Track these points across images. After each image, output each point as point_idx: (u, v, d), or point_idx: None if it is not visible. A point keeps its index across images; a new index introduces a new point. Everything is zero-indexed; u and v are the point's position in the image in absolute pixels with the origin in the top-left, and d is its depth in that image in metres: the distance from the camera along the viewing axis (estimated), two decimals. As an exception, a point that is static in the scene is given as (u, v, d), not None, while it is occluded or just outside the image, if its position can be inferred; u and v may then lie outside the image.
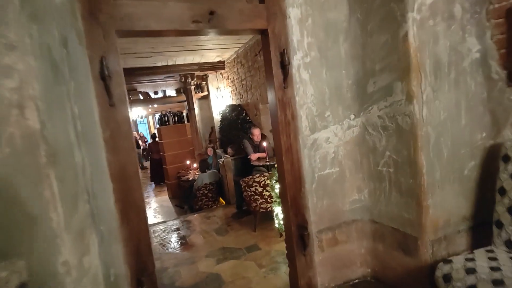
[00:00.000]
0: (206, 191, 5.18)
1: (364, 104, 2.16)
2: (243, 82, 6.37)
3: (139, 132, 14.81)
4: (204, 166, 5.43)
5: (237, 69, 6.55)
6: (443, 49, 1.79)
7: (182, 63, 6.75)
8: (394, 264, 2.08)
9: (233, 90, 7.11)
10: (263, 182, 3.36)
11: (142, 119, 16.30)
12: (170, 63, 6.62)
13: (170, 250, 3.42)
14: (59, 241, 1.00)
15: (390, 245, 2.10)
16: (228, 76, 7.29)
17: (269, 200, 3.38)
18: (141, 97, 7.33)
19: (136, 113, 13.08)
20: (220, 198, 5.58)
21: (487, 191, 1.86)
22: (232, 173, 4.92)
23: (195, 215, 4.65)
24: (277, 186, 2.86)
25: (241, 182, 3.48)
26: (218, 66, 7.18)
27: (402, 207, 1.97)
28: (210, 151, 6.83)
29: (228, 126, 6.69)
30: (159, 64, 6.55)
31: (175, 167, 7.26)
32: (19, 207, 0.94)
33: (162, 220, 4.91)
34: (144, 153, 13.51)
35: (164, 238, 3.80)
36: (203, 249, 3.29)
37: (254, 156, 4.49)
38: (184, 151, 7.46)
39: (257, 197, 3.41)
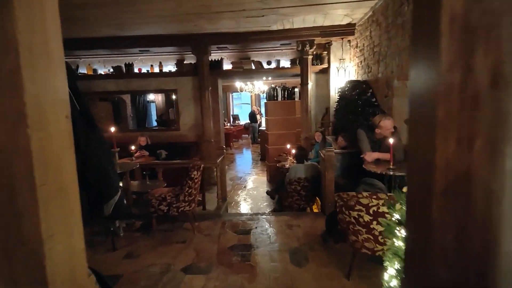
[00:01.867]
0: (299, 188, 4.05)
1: None
2: (375, 50, 4.64)
3: (257, 107, 14.80)
4: (301, 156, 4.28)
5: (370, 31, 4.83)
6: None
7: (301, 26, 5.57)
8: None
9: (360, 61, 5.44)
10: (375, 208, 1.94)
11: (263, 93, 16.15)
12: (287, 26, 5.55)
13: (224, 263, 2.55)
14: None
15: None
16: (357, 44, 5.63)
17: (382, 241, 1.95)
18: (253, 67, 6.68)
19: (258, 86, 12.94)
20: (318, 199, 4.35)
21: None
22: (336, 172, 3.58)
23: (278, 216, 3.64)
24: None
25: (336, 198, 2.15)
26: (345, 30, 5.62)
27: None
28: (318, 136, 5.58)
29: (345, 108, 5.19)
30: (274, 27, 5.58)
31: (277, 149, 6.39)
32: None
33: (240, 212, 4.16)
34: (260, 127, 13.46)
35: (227, 240, 2.98)
36: (263, 280, 2.25)
37: (369, 156, 2.99)
38: (289, 132, 6.46)
39: (360, 228, 2.04)
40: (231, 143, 12.03)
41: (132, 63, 6.86)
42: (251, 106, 15.53)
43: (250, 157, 10.62)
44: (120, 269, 2.45)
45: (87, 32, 5.53)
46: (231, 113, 17.33)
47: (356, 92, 4.73)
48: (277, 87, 6.52)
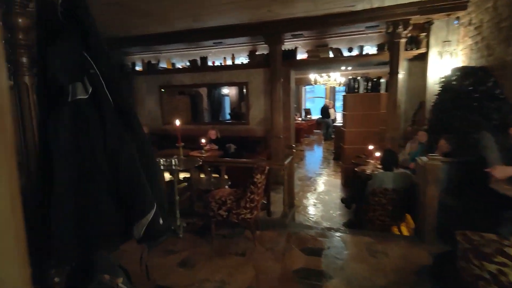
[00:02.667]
0: (384, 201, 3.28)
1: None
2: (502, 24, 3.46)
3: (330, 101, 13.69)
4: (390, 161, 3.46)
5: (495, 1, 3.63)
6: None
7: (393, 3, 4.61)
8: None
9: (475, 42, 4.21)
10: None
11: (340, 85, 14.81)
12: (376, 4, 4.67)
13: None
14: None
15: None
16: (470, 21, 4.39)
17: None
18: (331, 55, 5.92)
19: (334, 78, 11.90)
20: (408, 216, 3.50)
21: None
22: (439, 187, 2.72)
23: (356, 236, 2.97)
24: None
25: (459, 238, 1.43)
26: (454, 4, 4.45)
27: None
28: (422, 136, 4.53)
29: (450, 102, 4.07)
30: (359, 7, 4.76)
31: (354, 149, 5.57)
32: None
33: (309, 222, 3.61)
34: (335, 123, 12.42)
35: (292, 260, 2.49)
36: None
37: (501, 172, 2.09)
38: (371, 130, 5.55)
39: (501, 291, 1.30)
40: (301, 139, 11.41)
41: (206, 56, 6.87)
42: (325, 100, 14.46)
43: (321, 155, 9.87)
44: (172, 279, 2.22)
45: (165, 26, 5.65)
46: (303, 107, 16.62)
47: (470, 82, 3.62)
48: (358, 78, 5.65)
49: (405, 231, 3.34)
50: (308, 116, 14.79)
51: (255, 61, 6.40)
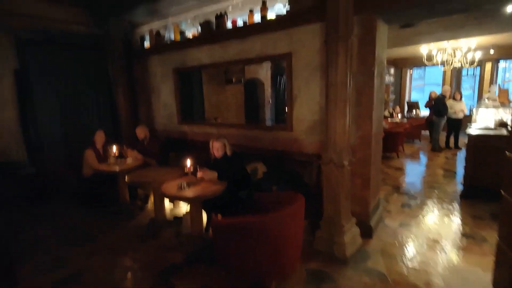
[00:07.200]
0: None
1: None
2: None
3: (450, 88, 8.78)
4: None
5: None
6: None
7: None
8: None
9: None
10: None
11: (473, 66, 8.78)
12: None
13: None
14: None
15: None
16: None
17: None
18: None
19: (467, 47, 7.25)
20: None
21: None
22: None
23: None
24: None
25: None
26: None
27: None
28: None
29: None
30: None
31: None
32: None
33: None
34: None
35: None
36: None
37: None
38: None
39: None
40: (399, 148, 7.42)
41: (225, 12, 4.09)
42: (443, 87, 9.16)
43: (434, 181, 5.78)
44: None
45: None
46: (406, 99, 12.01)
47: None
48: None
49: None
50: (414, 113, 10.31)
51: (301, 6, 3.26)
